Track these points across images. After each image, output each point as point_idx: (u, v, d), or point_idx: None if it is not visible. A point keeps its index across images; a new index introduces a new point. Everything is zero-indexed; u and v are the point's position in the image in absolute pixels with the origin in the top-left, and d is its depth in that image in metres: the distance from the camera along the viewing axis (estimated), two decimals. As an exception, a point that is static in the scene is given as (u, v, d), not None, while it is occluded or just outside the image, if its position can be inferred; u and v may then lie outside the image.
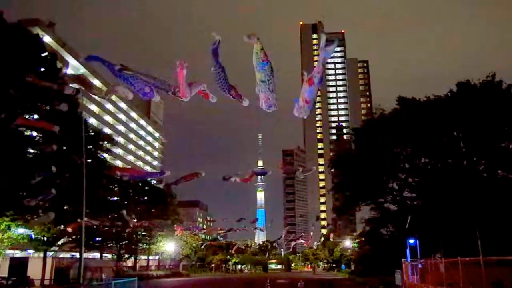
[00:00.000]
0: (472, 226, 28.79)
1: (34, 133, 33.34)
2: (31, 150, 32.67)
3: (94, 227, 41.41)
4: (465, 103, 35.42)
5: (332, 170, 50.77)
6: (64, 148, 34.55)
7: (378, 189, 43.39)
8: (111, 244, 58.91)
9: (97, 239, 50.95)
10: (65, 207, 37.86)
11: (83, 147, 28.79)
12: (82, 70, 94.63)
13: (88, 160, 35.11)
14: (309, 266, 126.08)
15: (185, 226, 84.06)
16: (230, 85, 10.08)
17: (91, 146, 41.12)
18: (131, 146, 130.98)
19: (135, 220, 60.40)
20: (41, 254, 42.99)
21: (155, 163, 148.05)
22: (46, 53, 34.13)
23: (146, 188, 63.98)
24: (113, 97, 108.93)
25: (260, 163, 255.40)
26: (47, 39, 77.13)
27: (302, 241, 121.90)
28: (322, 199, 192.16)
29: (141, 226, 56.47)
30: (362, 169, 39.58)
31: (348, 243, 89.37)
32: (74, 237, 43.31)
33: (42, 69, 31.41)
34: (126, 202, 57.83)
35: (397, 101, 41.21)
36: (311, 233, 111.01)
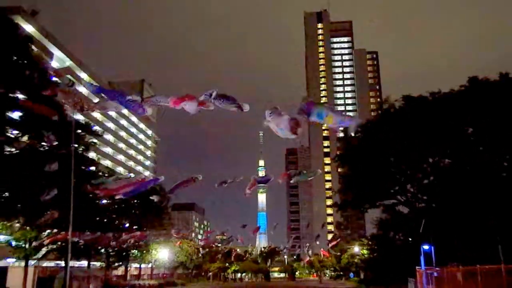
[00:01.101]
0: (493, 231, 28.57)
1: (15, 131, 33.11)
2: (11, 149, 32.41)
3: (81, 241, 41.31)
4: (482, 98, 35.04)
5: (339, 169, 50.57)
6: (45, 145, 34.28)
7: (390, 190, 43.20)
8: (100, 251, 58.64)
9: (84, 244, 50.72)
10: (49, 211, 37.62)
11: (72, 144, 28.62)
12: (68, 62, 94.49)
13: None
14: (315, 274, 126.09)
15: (182, 233, 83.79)
16: (232, 100, 11.22)
17: (77, 145, 40.80)
18: (121, 145, 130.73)
19: (127, 225, 60.19)
20: (22, 263, 42.70)
21: (147, 163, 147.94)
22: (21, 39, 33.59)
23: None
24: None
25: (261, 162, 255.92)
26: (29, 28, 76.79)
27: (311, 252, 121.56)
28: (329, 202, 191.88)
29: (134, 237, 56.03)
30: (372, 167, 39.34)
31: (356, 249, 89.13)
32: (59, 243, 43.06)
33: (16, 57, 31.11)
34: (116, 206, 57.59)
35: (403, 100, 40.94)
36: (317, 241, 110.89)
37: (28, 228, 36.85)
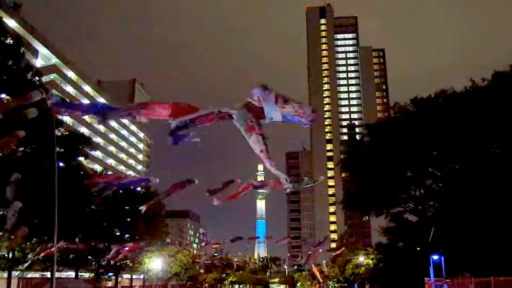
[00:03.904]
0: (508, 240, 28.50)
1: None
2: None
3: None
4: (501, 96, 34.64)
5: (343, 175, 50.60)
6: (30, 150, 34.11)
7: (396, 196, 43.13)
8: (89, 261, 58.42)
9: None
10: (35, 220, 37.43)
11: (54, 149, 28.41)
12: (54, 60, 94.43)
13: (61, 165, 34.76)
14: (317, 286, 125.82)
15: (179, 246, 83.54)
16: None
17: (63, 149, 40.66)
18: (111, 148, 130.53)
19: (118, 233, 59.97)
20: (5, 274, 42.48)
21: (139, 167, 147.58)
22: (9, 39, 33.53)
23: (129, 196, 63.33)
24: (91, 92, 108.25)
25: (260, 167, 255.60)
26: (11, 23, 76.57)
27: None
28: (332, 209, 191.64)
29: (131, 249, 55.67)
30: (378, 173, 39.27)
31: (361, 259, 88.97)
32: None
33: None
34: (106, 213, 57.33)
35: (411, 102, 41.02)
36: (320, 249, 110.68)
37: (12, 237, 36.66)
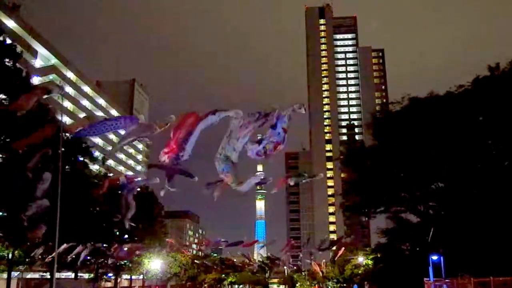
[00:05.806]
0: (507, 240, 28.59)
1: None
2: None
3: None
4: (495, 94, 34.65)
5: (342, 175, 50.69)
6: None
7: (395, 195, 43.17)
8: (89, 262, 58.34)
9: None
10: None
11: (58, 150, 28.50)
12: (53, 60, 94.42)
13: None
14: (317, 286, 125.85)
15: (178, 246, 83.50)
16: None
17: (63, 150, 40.67)
18: (110, 149, 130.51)
19: (117, 233, 59.98)
20: (4, 275, 42.44)
21: (138, 168, 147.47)
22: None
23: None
24: (90, 92, 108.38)
25: (259, 167, 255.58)
26: (10, 24, 76.63)
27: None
28: (331, 209, 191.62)
29: (134, 252, 55.64)
30: (376, 171, 39.32)
31: (361, 259, 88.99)
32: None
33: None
34: (106, 214, 57.29)
35: (409, 101, 40.97)
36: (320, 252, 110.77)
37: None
